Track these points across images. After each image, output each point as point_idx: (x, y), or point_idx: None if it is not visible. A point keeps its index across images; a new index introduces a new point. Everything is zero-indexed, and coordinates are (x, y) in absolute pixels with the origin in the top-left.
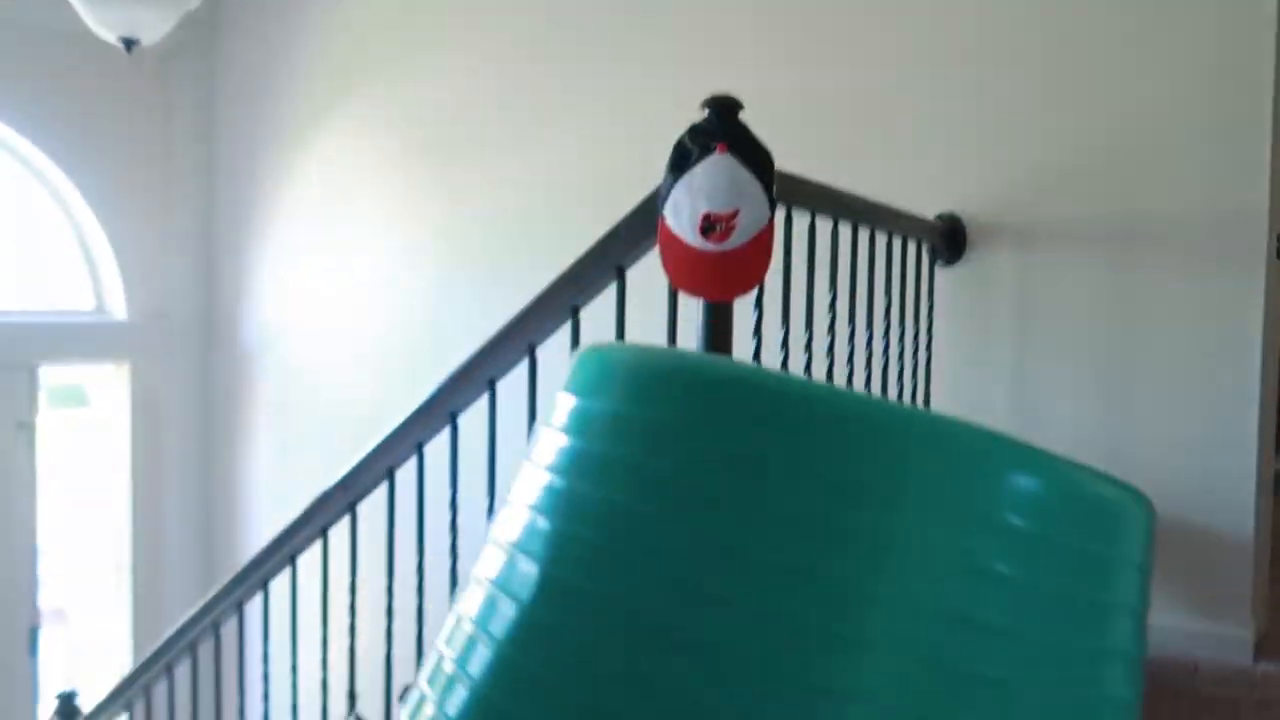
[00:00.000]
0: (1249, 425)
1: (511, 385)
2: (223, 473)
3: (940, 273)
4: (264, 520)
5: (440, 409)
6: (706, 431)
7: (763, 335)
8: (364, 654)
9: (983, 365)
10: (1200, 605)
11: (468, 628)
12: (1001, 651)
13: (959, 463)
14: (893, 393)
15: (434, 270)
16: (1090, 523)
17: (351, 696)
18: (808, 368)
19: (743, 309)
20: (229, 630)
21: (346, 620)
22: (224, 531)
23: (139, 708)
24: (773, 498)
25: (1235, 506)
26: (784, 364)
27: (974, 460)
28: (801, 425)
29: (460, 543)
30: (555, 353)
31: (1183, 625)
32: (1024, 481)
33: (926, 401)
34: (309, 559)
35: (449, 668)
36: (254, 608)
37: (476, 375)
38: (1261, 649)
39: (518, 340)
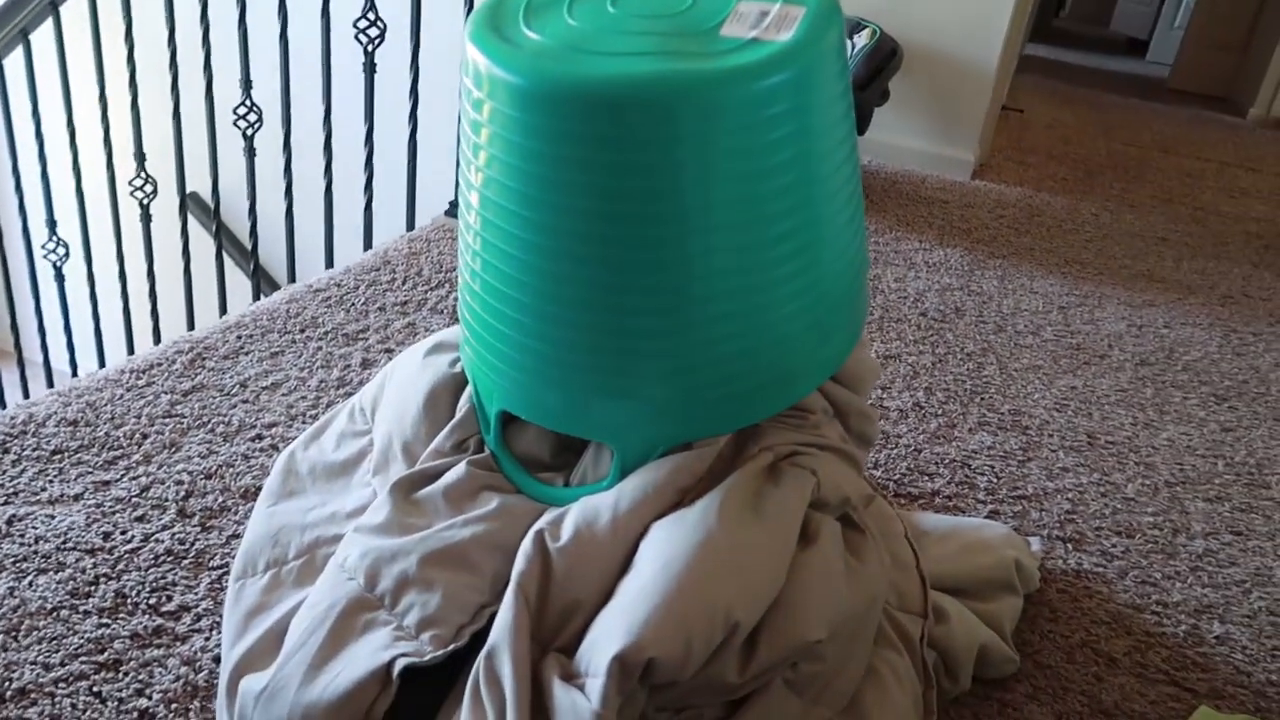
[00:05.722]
0: None
1: None
2: None
3: None
4: None
5: None
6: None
7: None
8: (148, 105)
9: None
10: (937, 133)
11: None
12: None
13: (715, 109)
14: None
15: None
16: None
17: (140, 156)
18: None
19: None
20: None
21: (126, 73)
22: None
23: None
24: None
25: (985, 44)
26: None
27: (724, 104)
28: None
29: None
30: None
31: (920, 148)
32: (764, 88)
33: None
34: (75, 11)
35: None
36: (14, 61)
37: None
38: (978, 173)
39: None
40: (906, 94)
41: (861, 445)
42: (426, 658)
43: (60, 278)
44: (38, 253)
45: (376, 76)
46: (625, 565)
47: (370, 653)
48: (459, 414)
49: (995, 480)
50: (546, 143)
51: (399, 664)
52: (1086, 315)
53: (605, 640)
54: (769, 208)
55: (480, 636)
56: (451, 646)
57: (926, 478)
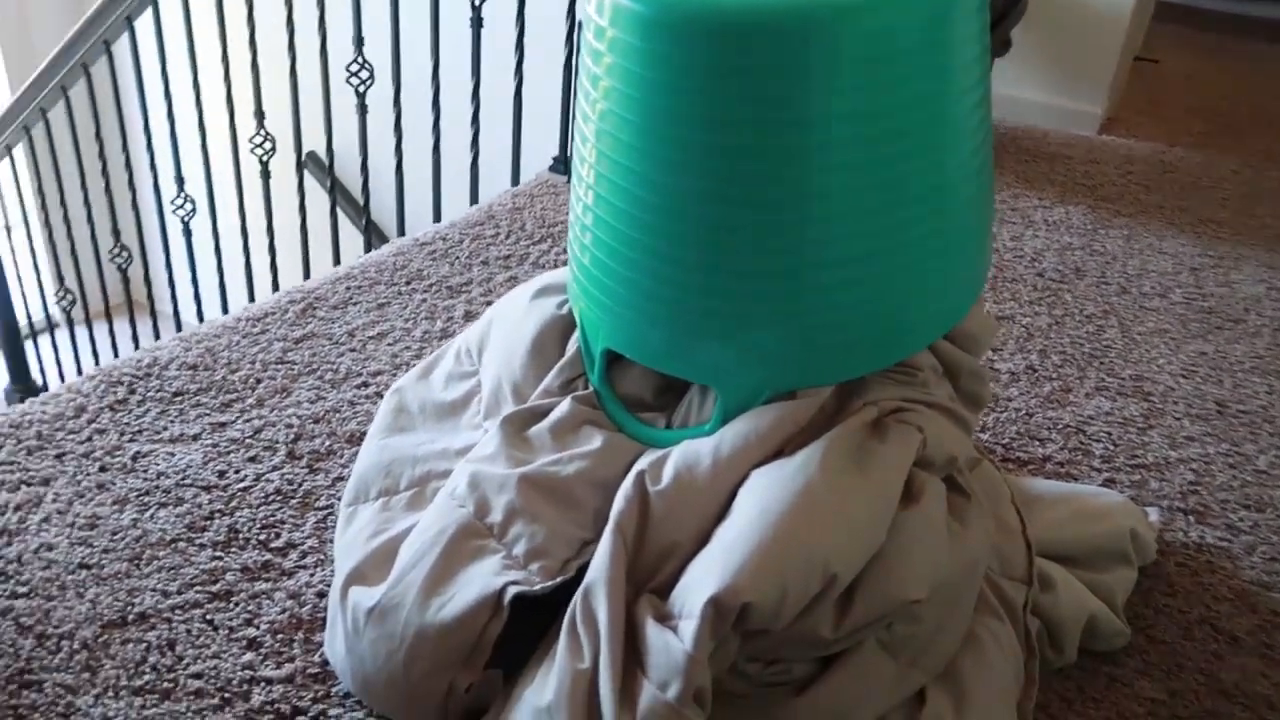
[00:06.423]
0: None
1: None
2: None
3: None
4: None
5: None
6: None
7: None
8: (267, 65)
9: None
10: (1062, 85)
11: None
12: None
13: (846, 42)
14: None
15: None
16: None
17: (259, 115)
18: None
19: None
20: (121, 50)
21: (245, 32)
22: None
23: (38, 130)
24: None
25: None
26: None
27: (856, 37)
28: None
29: None
30: None
31: (1043, 100)
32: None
33: None
34: None
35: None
36: (144, 25)
37: None
38: (1105, 127)
39: None
40: (1030, 43)
41: (971, 406)
42: (536, 587)
43: (188, 232)
44: (166, 208)
45: (483, 31)
46: (723, 511)
47: (483, 578)
48: (568, 353)
49: (1112, 448)
50: (669, 73)
51: (510, 591)
52: (1221, 277)
53: (700, 583)
54: (894, 148)
55: (584, 570)
56: (559, 578)
57: (1037, 443)
